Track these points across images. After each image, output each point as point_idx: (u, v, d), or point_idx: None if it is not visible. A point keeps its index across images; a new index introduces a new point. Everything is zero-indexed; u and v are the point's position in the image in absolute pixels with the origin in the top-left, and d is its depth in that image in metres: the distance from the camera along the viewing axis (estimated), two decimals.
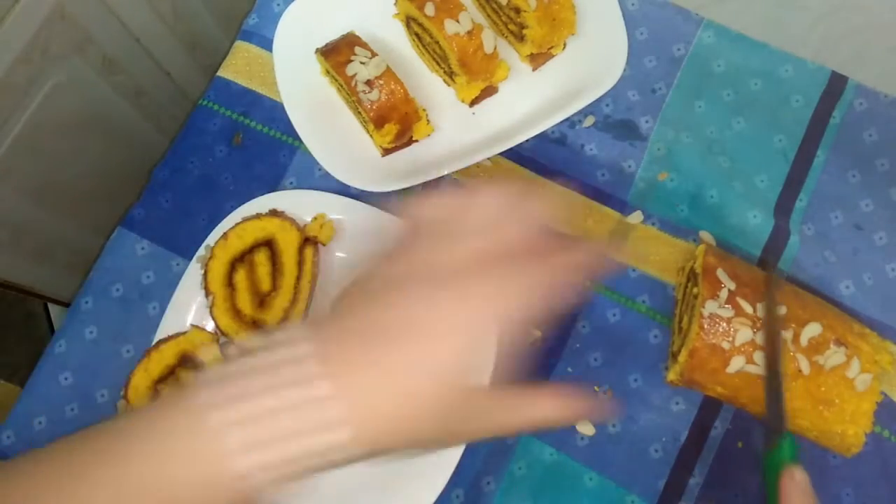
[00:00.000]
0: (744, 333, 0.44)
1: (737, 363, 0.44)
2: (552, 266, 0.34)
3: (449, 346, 0.32)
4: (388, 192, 0.57)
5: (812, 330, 0.44)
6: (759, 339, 0.45)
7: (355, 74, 0.53)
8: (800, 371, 0.44)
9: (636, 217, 0.55)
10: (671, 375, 0.49)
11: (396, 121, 0.54)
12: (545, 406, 0.35)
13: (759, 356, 0.44)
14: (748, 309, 0.45)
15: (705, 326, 0.45)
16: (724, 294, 0.45)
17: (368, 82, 0.53)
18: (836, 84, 0.56)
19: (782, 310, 0.45)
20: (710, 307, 0.45)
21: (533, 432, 0.51)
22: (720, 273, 0.46)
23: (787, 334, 0.45)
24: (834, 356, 0.44)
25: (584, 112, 0.57)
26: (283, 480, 0.29)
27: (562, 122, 0.56)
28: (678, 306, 0.51)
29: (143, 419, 0.31)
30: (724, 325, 0.45)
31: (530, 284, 0.33)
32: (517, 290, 0.33)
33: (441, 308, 0.32)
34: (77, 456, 0.30)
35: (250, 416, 0.29)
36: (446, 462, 0.49)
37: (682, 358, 0.46)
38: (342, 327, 0.32)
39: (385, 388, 0.31)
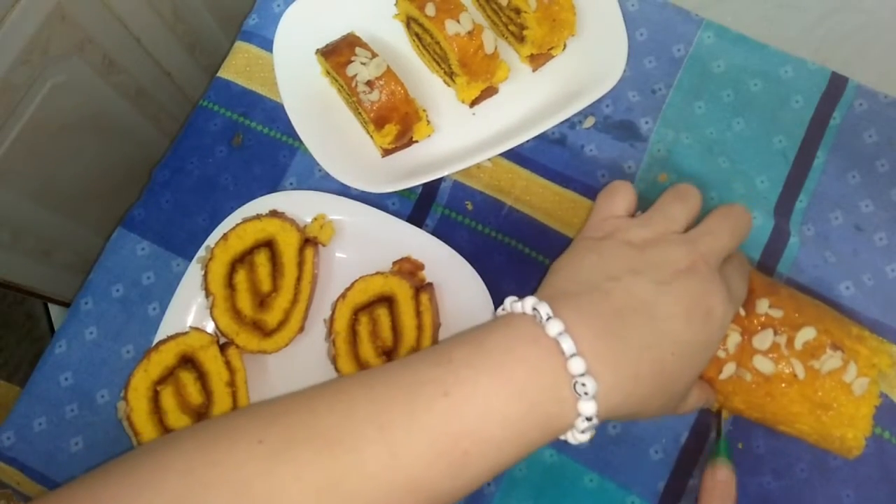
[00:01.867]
0: (734, 339, 0.44)
1: (728, 369, 0.44)
2: (739, 271, 0.43)
3: (685, 326, 0.37)
4: (389, 193, 0.57)
5: (806, 334, 0.44)
6: (756, 342, 0.45)
7: (356, 75, 0.53)
8: (795, 376, 0.44)
9: None
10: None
11: (397, 121, 0.54)
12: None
13: (757, 360, 0.44)
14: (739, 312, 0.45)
15: None
16: None
17: (369, 83, 0.53)
18: (836, 84, 0.56)
19: (777, 313, 0.45)
20: None
21: None
22: None
23: (781, 338, 0.45)
24: (830, 360, 0.44)
25: (585, 113, 0.57)
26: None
27: (562, 122, 0.56)
28: None
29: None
30: None
31: (739, 285, 0.42)
32: (733, 293, 0.40)
33: (673, 294, 0.38)
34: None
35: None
36: None
37: None
38: (591, 310, 0.36)
39: (631, 366, 0.35)
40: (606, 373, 0.35)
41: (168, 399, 0.50)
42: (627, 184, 0.45)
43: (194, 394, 0.50)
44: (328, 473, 0.32)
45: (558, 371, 0.34)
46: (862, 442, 0.44)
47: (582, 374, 0.34)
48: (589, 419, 0.34)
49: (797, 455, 0.50)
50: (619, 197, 0.44)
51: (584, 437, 0.36)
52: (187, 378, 0.50)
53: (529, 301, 0.37)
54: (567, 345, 0.34)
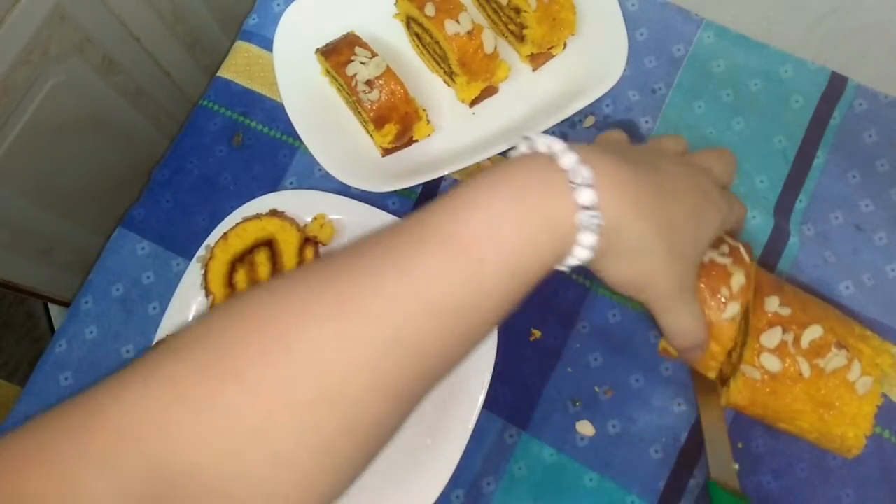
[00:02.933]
0: (738, 280, 0.45)
1: (731, 310, 0.44)
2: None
3: (686, 186, 0.39)
4: (389, 193, 0.57)
5: (813, 332, 0.44)
6: (764, 340, 0.45)
7: (355, 74, 0.53)
8: (800, 374, 0.44)
9: None
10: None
11: (396, 121, 0.54)
12: None
13: (764, 357, 0.45)
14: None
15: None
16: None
17: (368, 82, 0.53)
18: (836, 84, 0.56)
19: (785, 311, 0.45)
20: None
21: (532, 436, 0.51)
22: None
23: (788, 337, 0.45)
24: (835, 359, 0.44)
25: (585, 112, 0.57)
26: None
27: (562, 122, 0.56)
28: None
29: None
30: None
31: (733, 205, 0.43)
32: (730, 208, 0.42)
33: (677, 166, 0.39)
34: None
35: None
36: (446, 462, 0.49)
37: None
38: (601, 150, 0.36)
39: (629, 168, 0.36)
40: (601, 163, 0.34)
41: None
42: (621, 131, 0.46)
43: None
44: (353, 301, 0.31)
45: (554, 169, 0.34)
46: (862, 441, 0.44)
47: (575, 166, 0.33)
48: (588, 208, 0.33)
49: (797, 455, 0.50)
50: (615, 134, 0.45)
51: (592, 240, 0.34)
52: None
53: (544, 139, 0.36)
54: (558, 146, 0.34)
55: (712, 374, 0.46)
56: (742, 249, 0.46)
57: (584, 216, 0.33)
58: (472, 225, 0.33)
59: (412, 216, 0.35)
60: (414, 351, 0.31)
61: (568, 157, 0.34)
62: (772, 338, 0.44)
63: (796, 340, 0.44)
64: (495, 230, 0.33)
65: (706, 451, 0.47)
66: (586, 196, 0.33)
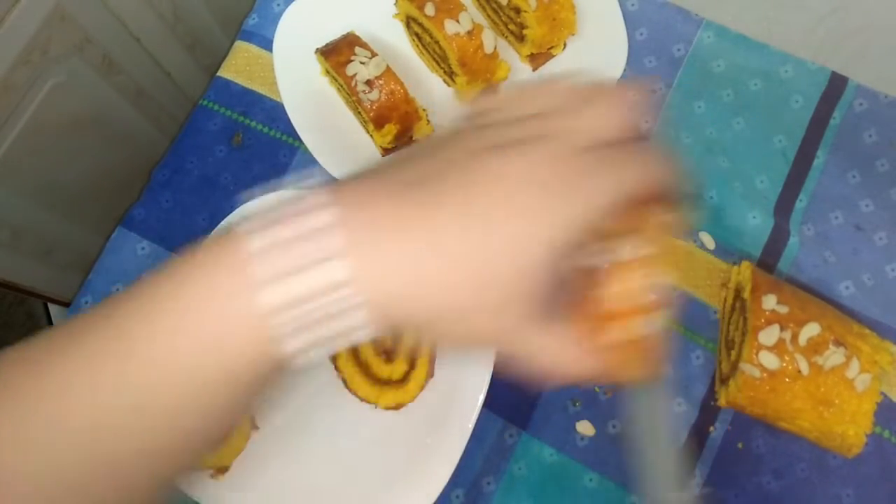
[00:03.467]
0: (626, 250, 0.35)
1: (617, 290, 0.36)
2: (638, 163, 0.29)
3: (515, 206, 0.26)
4: None
5: (811, 330, 0.44)
6: (762, 338, 0.45)
7: (355, 74, 0.53)
8: (799, 371, 0.44)
9: None
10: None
11: (396, 121, 0.54)
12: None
13: (762, 355, 0.44)
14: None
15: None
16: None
17: (368, 82, 0.53)
18: (836, 84, 0.56)
19: (783, 309, 0.45)
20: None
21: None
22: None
23: (786, 334, 0.45)
24: (833, 356, 0.44)
25: None
26: (304, 345, 0.25)
27: None
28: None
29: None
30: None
31: (619, 179, 0.27)
32: (580, 201, 0.27)
33: (512, 162, 0.26)
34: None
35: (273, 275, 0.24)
36: (446, 462, 0.49)
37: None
38: (382, 180, 0.26)
39: (415, 251, 0.25)
40: (364, 253, 0.24)
41: None
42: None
43: None
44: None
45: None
46: (862, 439, 0.44)
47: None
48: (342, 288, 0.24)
49: (797, 455, 0.50)
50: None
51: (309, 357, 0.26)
52: None
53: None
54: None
55: (638, 372, 0.33)
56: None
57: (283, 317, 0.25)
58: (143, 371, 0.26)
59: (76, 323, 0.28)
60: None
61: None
62: (770, 336, 0.45)
63: (794, 338, 0.44)
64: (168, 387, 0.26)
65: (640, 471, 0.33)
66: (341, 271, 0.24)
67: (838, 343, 0.44)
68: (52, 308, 1.02)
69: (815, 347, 0.44)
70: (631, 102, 0.29)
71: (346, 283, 0.24)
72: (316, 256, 0.24)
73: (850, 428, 0.43)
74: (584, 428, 0.51)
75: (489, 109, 0.30)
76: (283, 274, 0.24)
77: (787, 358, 0.44)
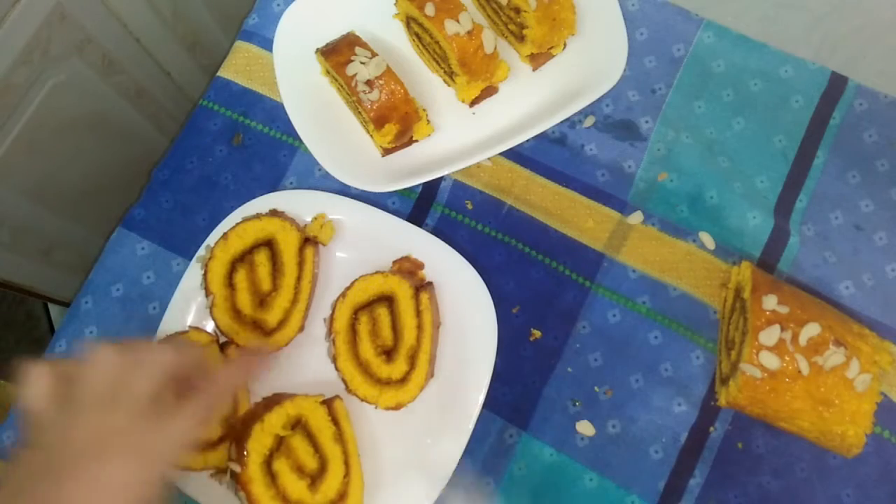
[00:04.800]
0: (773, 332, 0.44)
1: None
2: (197, 403, 0.35)
3: None
4: (389, 193, 0.57)
5: (811, 330, 0.44)
6: (762, 338, 0.45)
7: (355, 74, 0.53)
8: (799, 371, 0.44)
9: (636, 217, 0.55)
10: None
11: (396, 121, 0.54)
12: None
13: (763, 356, 0.45)
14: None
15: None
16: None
17: (368, 82, 0.53)
18: (836, 84, 0.56)
19: (783, 309, 0.46)
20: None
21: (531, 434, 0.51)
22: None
23: (787, 335, 0.45)
24: (833, 356, 0.44)
25: (585, 112, 0.57)
26: None
27: (562, 122, 0.56)
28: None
29: None
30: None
31: (179, 433, 0.34)
32: (163, 448, 0.33)
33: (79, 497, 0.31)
34: None
35: None
36: (446, 462, 0.49)
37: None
38: None
39: None
40: None
41: None
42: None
43: None
44: None
45: None
46: (862, 439, 0.44)
47: None
48: None
49: (797, 454, 0.50)
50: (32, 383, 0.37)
51: None
52: None
53: None
54: None
55: None
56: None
57: None
58: None
59: None
60: None
61: None
62: (770, 336, 0.45)
63: (794, 338, 0.44)
64: None
65: None
66: None
67: (838, 343, 0.44)
68: (52, 308, 1.03)
69: (815, 347, 0.44)
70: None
71: None
72: None
73: (850, 428, 0.43)
74: (584, 428, 0.51)
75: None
76: None
77: (787, 358, 0.44)
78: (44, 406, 0.34)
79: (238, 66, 0.61)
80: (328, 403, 0.50)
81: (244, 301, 0.52)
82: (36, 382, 0.35)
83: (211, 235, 0.54)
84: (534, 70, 0.58)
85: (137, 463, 0.32)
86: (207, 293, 0.52)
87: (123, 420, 0.33)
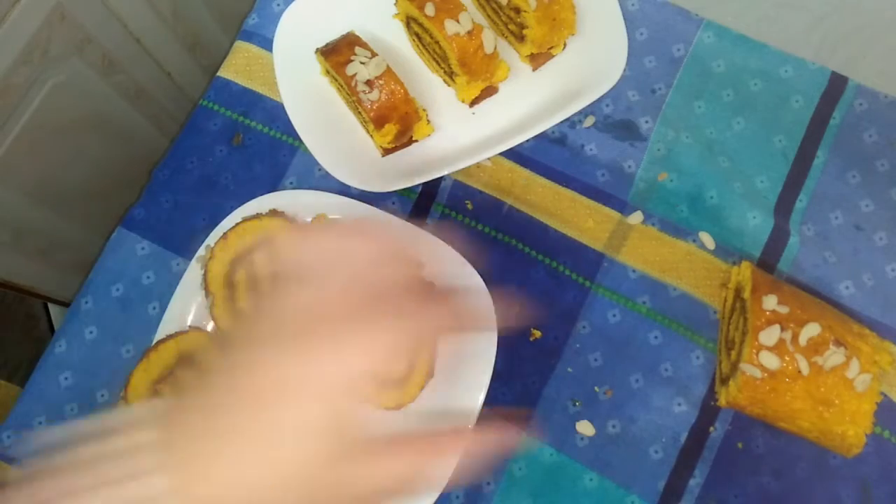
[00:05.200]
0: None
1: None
2: (426, 314, 0.32)
3: (313, 407, 0.29)
4: (389, 192, 0.57)
5: (811, 330, 0.44)
6: (762, 338, 0.45)
7: (355, 74, 0.53)
8: (799, 371, 0.44)
9: (636, 217, 0.55)
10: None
11: (396, 121, 0.54)
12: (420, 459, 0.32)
13: (763, 356, 0.44)
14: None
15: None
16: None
17: (368, 82, 0.53)
18: (836, 84, 0.56)
19: (783, 309, 0.46)
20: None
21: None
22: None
23: (787, 335, 0.45)
24: (833, 356, 0.44)
25: (585, 112, 0.57)
26: None
27: (562, 122, 0.56)
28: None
29: None
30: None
31: (405, 332, 0.31)
32: (390, 340, 0.31)
33: (306, 365, 0.29)
34: None
35: None
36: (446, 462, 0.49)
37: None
38: (192, 405, 0.29)
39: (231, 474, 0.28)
40: None
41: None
42: None
43: None
44: None
45: None
46: (862, 439, 0.44)
47: None
48: None
49: (797, 454, 0.50)
50: None
51: None
52: (187, 377, 0.50)
53: None
54: None
55: None
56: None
57: None
58: None
59: None
60: None
61: None
62: (770, 336, 0.45)
63: (794, 338, 0.44)
64: None
65: None
66: None
67: (838, 343, 0.44)
68: (52, 308, 1.03)
69: (815, 347, 0.44)
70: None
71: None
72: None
73: (851, 428, 0.43)
74: (584, 428, 0.51)
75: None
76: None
77: (787, 358, 0.44)
78: (293, 274, 0.32)
79: (238, 66, 0.61)
80: None
81: (244, 301, 0.52)
82: (303, 247, 0.34)
83: (211, 235, 0.54)
84: (534, 70, 0.58)
85: (403, 333, 0.31)
86: (207, 293, 0.52)
87: (392, 295, 0.31)
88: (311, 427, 0.29)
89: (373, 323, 0.30)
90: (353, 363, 0.29)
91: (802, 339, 0.44)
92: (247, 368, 0.29)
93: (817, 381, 0.44)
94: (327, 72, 0.57)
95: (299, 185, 0.58)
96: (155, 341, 0.52)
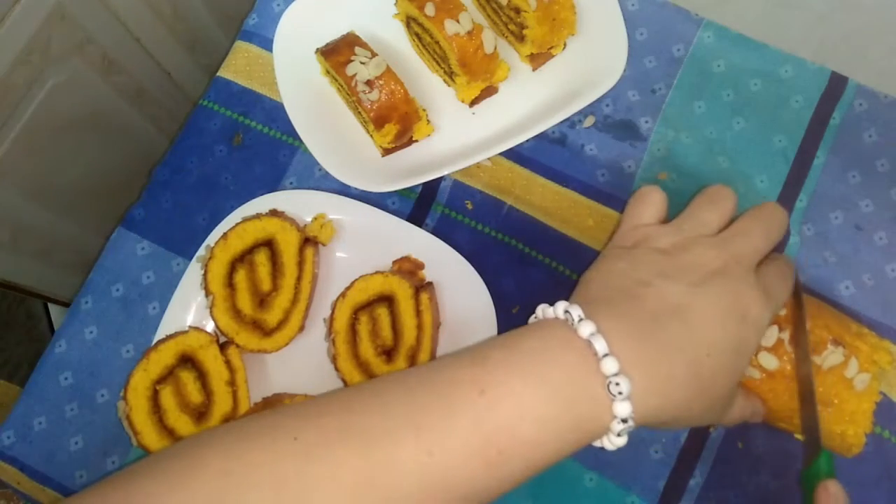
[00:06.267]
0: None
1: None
2: (778, 272, 0.43)
3: (720, 329, 0.37)
4: (389, 193, 0.57)
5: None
6: (785, 336, 0.45)
7: (355, 74, 0.53)
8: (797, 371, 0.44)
9: None
10: None
11: (396, 121, 0.54)
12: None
13: (761, 356, 0.44)
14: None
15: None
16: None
17: (368, 82, 0.53)
18: (836, 84, 0.56)
19: (781, 310, 0.45)
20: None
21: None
22: None
23: (784, 335, 0.45)
24: (831, 356, 0.44)
25: (584, 112, 0.57)
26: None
27: (562, 122, 0.56)
28: None
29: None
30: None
31: (779, 287, 0.42)
32: (771, 294, 0.40)
33: (706, 297, 0.37)
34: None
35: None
36: None
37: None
38: (623, 313, 0.36)
39: (664, 366, 0.35)
40: (640, 374, 0.34)
41: (167, 398, 0.50)
42: (656, 189, 0.45)
43: (194, 393, 0.50)
44: (363, 472, 0.32)
45: (592, 371, 0.34)
46: (862, 438, 0.44)
47: (615, 374, 0.34)
48: (624, 421, 0.34)
49: (797, 455, 0.50)
50: (648, 204, 0.44)
51: (621, 441, 0.35)
52: (187, 377, 0.50)
53: (561, 305, 0.37)
54: (599, 345, 0.34)
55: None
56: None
57: (619, 426, 0.35)
58: (499, 416, 0.33)
59: (439, 371, 0.35)
60: None
61: (609, 365, 0.34)
62: (768, 336, 0.44)
63: (792, 338, 0.44)
64: (524, 427, 0.33)
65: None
66: (624, 408, 0.34)
67: (837, 343, 0.44)
68: (52, 308, 1.03)
69: (813, 347, 0.44)
70: (785, 220, 0.44)
71: (632, 417, 0.34)
72: (604, 350, 0.34)
73: (850, 428, 0.43)
74: None
75: (659, 232, 0.42)
76: (599, 356, 0.34)
77: (785, 358, 0.44)
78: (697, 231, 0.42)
79: (238, 66, 0.61)
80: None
81: (244, 301, 0.52)
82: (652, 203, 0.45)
83: (211, 235, 0.54)
84: (534, 70, 0.58)
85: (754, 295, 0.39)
86: (207, 293, 0.52)
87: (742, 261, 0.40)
88: (714, 345, 0.37)
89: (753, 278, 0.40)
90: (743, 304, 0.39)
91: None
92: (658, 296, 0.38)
93: (815, 380, 0.44)
94: (327, 72, 0.57)
95: (299, 185, 0.58)
96: (155, 341, 0.52)
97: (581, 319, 0.35)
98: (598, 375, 0.34)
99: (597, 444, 0.36)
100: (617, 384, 0.34)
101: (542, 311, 0.38)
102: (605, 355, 0.34)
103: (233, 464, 0.32)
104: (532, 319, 0.39)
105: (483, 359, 0.35)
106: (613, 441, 0.36)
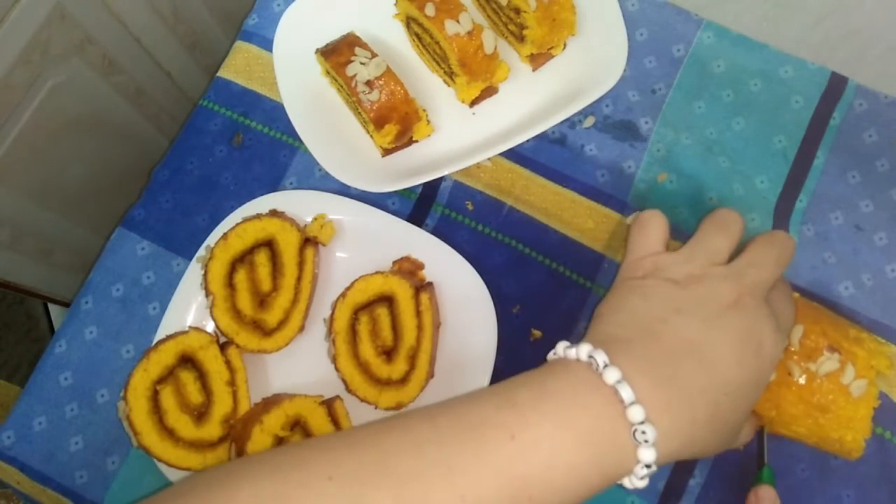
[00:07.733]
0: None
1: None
2: (785, 299, 0.43)
3: (737, 366, 0.38)
4: (389, 193, 0.57)
5: (796, 332, 0.44)
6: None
7: (355, 75, 0.53)
8: (792, 378, 0.44)
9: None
10: None
11: (396, 121, 0.54)
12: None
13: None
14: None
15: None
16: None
17: (368, 83, 0.53)
18: (836, 85, 0.56)
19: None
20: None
21: None
22: None
23: None
24: (827, 363, 0.43)
25: (584, 112, 0.57)
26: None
27: (562, 122, 0.56)
28: None
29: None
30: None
31: (787, 313, 0.42)
32: (781, 323, 0.41)
33: (722, 332, 0.38)
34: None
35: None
36: None
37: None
38: (644, 355, 0.37)
39: (687, 411, 0.36)
40: (664, 419, 0.35)
41: (168, 398, 0.50)
42: (657, 213, 0.45)
43: (194, 393, 0.50)
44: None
45: (618, 419, 0.35)
46: (861, 444, 0.43)
47: (641, 422, 0.34)
48: (648, 466, 0.35)
49: (797, 455, 0.50)
50: (652, 229, 0.44)
51: (642, 484, 0.36)
52: (187, 377, 0.50)
53: (585, 348, 0.37)
54: (626, 393, 0.35)
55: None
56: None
57: (643, 470, 0.35)
58: (531, 462, 0.34)
59: (468, 411, 0.36)
60: None
61: (635, 413, 0.35)
62: None
63: (787, 345, 0.44)
64: (554, 475, 0.34)
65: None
66: (649, 455, 0.34)
67: (832, 349, 0.44)
68: (52, 308, 1.03)
69: (808, 354, 0.44)
70: (793, 248, 0.44)
71: (657, 463, 0.35)
72: (630, 399, 0.35)
73: (848, 434, 0.43)
74: None
75: (669, 262, 0.42)
76: (625, 403, 0.35)
77: (780, 365, 0.44)
78: (711, 265, 0.41)
79: (238, 66, 0.61)
80: (328, 404, 0.50)
81: (244, 301, 0.52)
82: (656, 228, 0.44)
83: (211, 235, 0.54)
84: (534, 70, 0.58)
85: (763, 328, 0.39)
86: (207, 293, 0.52)
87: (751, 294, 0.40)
88: (729, 383, 0.38)
89: (763, 312, 0.40)
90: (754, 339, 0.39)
91: (794, 342, 0.44)
92: (674, 331, 0.38)
93: (811, 387, 0.44)
94: (327, 72, 0.57)
95: (299, 185, 0.58)
96: (155, 341, 0.52)
97: (606, 365, 0.35)
98: (624, 421, 0.34)
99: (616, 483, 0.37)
100: (643, 432, 0.34)
101: (564, 350, 0.38)
102: (632, 403, 0.34)
103: (266, 497, 0.32)
104: (551, 356, 0.39)
105: (512, 402, 0.35)
106: (635, 483, 0.36)
